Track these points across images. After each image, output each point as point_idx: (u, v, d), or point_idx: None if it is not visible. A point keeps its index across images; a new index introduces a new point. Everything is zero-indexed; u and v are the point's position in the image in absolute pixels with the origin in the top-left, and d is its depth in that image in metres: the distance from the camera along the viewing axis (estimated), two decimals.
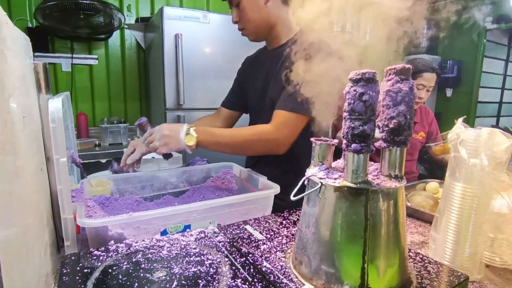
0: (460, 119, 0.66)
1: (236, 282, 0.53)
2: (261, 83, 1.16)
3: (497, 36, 4.19)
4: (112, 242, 0.67)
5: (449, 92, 3.99)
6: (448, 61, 3.85)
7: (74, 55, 2.53)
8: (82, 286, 0.53)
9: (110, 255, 0.63)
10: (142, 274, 0.56)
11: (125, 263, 0.59)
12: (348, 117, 0.48)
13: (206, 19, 2.18)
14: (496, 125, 4.48)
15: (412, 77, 1.74)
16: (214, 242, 0.68)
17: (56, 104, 0.68)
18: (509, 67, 4.61)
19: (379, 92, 0.49)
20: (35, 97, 0.73)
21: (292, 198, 0.53)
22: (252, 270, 0.57)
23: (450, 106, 4.17)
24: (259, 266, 0.58)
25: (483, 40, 3.76)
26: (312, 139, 0.57)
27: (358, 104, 0.47)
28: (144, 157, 1.45)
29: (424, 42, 4.06)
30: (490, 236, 0.75)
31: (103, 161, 2.10)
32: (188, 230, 0.75)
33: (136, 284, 0.53)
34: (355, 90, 0.47)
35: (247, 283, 0.53)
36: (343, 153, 0.51)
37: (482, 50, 3.80)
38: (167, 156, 1.08)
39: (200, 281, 0.54)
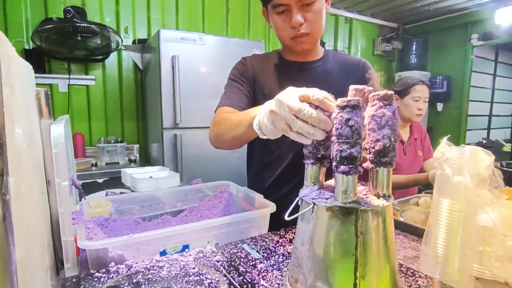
0: (445, 138, 0.70)
1: None
2: None
3: (484, 52, 4.34)
4: (113, 263, 0.69)
5: (439, 107, 4.09)
6: (438, 77, 3.97)
7: (71, 76, 2.57)
8: None
9: (111, 276, 0.65)
10: None
11: (126, 285, 0.61)
12: (336, 141, 0.52)
13: (202, 40, 2.24)
14: (487, 138, 4.57)
15: (405, 93, 1.76)
16: (212, 262, 0.69)
17: (59, 130, 0.71)
18: (496, 81, 4.75)
19: (364, 117, 0.53)
20: (37, 122, 0.76)
21: (286, 218, 0.56)
22: None
23: (441, 120, 4.27)
24: (257, 285, 0.60)
25: (470, 56, 3.89)
26: (304, 161, 0.60)
27: (345, 129, 0.51)
28: (141, 177, 1.48)
29: (414, 59, 4.20)
30: (479, 250, 0.78)
31: (100, 181, 2.10)
32: (186, 250, 0.77)
33: None
34: (341, 116, 0.51)
35: None
36: (333, 174, 0.55)
37: (470, 66, 3.92)
38: None
39: None
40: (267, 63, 1.14)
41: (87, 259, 0.73)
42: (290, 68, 1.10)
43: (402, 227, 1.05)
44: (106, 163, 2.36)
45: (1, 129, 0.23)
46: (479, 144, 4.34)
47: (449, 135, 0.70)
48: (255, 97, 1.10)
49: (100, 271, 0.67)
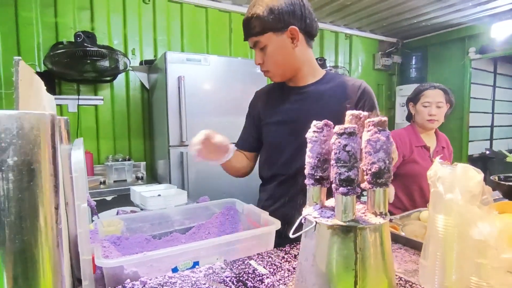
0: (438, 157, 0.75)
1: None
2: (290, 117, 1.15)
3: (483, 64, 4.42)
4: (128, 280, 0.73)
5: None
6: None
7: (80, 97, 2.67)
8: None
9: None
10: None
11: None
12: (335, 164, 0.57)
13: (207, 61, 2.33)
14: (490, 148, 4.58)
15: (416, 99, 1.80)
16: (222, 277, 0.74)
17: (79, 156, 0.77)
18: (497, 92, 4.80)
19: (360, 143, 0.58)
20: (58, 148, 0.82)
21: (291, 235, 0.60)
22: None
23: (443, 131, 4.29)
24: None
25: (469, 68, 3.96)
26: (306, 182, 0.65)
27: (342, 154, 0.56)
28: (150, 195, 1.53)
29: (414, 72, 4.28)
30: (477, 262, 0.81)
31: (109, 198, 2.16)
32: (197, 266, 0.81)
33: None
34: (339, 142, 0.56)
35: None
36: (333, 195, 0.60)
37: (469, 78, 3.98)
38: None
39: None
40: (272, 93, 1.25)
41: (103, 276, 0.78)
42: (291, 92, 1.18)
43: (403, 242, 1.08)
44: (114, 181, 2.42)
45: (57, 172, 0.29)
46: (482, 155, 4.35)
47: (441, 155, 0.75)
48: (264, 127, 1.23)
49: (117, 287, 0.71)
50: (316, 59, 3.65)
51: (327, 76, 1.18)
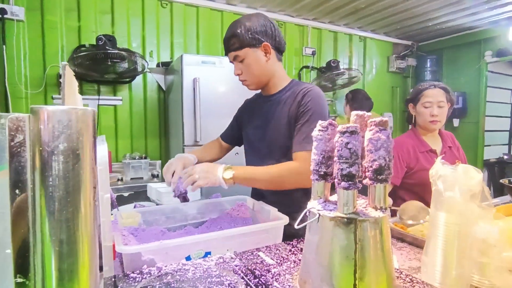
0: (439, 158, 0.78)
1: None
2: (260, 123, 1.34)
3: (500, 67, 4.33)
4: (145, 266, 0.79)
5: (456, 122, 4.08)
6: (453, 93, 3.98)
7: (100, 97, 2.78)
8: None
9: (144, 277, 0.75)
10: None
11: (158, 284, 0.71)
12: (338, 161, 0.61)
13: (221, 63, 2.40)
14: (508, 153, 4.48)
15: (416, 100, 1.74)
16: (231, 266, 0.79)
17: (103, 150, 0.83)
18: None
19: (361, 141, 0.62)
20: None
21: (296, 226, 0.65)
22: None
23: (458, 136, 4.19)
24: (270, 286, 0.69)
25: (485, 72, 3.90)
26: (311, 177, 0.70)
27: (344, 151, 0.60)
28: (166, 191, 1.60)
29: (429, 75, 4.24)
30: (478, 261, 0.83)
31: (126, 194, 2.25)
32: (208, 256, 0.87)
33: None
34: (342, 140, 0.61)
35: None
36: (336, 189, 0.64)
37: (485, 82, 3.92)
38: (184, 199, 1.19)
39: None
40: (253, 102, 1.47)
41: (121, 263, 0.85)
42: (261, 101, 1.39)
43: (409, 240, 1.11)
44: (131, 178, 2.51)
45: (95, 157, 0.35)
46: (500, 159, 4.26)
47: (443, 155, 0.78)
48: (243, 132, 1.46)
49: (135, 272, 0.78)
50: (329, 61, 3.65)
51: (291, 84, 1.31)
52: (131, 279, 0.75)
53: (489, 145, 4.16)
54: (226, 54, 1.28)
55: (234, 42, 1.21)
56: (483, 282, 0.83)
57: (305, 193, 1.22)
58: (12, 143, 0.30)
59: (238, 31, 1.20)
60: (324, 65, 3.76)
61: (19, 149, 0.31)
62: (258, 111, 1.38)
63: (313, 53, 3.82)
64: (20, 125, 0.31)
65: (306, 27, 3.82)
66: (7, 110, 2.31)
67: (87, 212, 0.33)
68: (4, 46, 2.34)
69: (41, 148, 0.31)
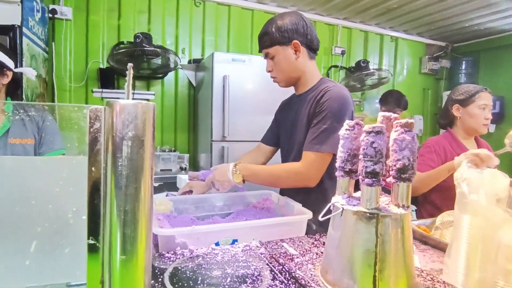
0: (465, 161, 0.79)
1: (275, 283, 0.69)
2: (289, 124, 1.39)
3: None
4: (179, 248, 0.87)
5: (492, 128, 3.90)
6: None
7: (135, 91, 2.94)
8: (161, 277, 0.72)
9: (178, 257, 0.82)
10: (203, 272, 0.74)
11: (190, 264, 0.78)
12: (363, 158, 0.65)
13: (251, 62, 2.47)
14: None
15: (469, 101, 1.68)
16: (257, 253, 0.84)
17: None
18: None
19: (386, 140, 0.65)
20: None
21: (320, 218, 0.69)
22: (287, 275, 0.73)
23: (493, 141, 4.03)
24: (293, 273, 0.73)
25: None
26: (336, 173, 0.74)
27: (370, 150, 0.64)
28: None
29: (463, 78, 4.08)
30: (506, 268, 0.83)
31: (155, 185, 2.37)
32: (236, 243, 0.93)
33: (200, 278, 0.71)
34: (367, 139, 0.64)
35: (283, 284, 0.69)
36: (360, 186, 0.67)
37: None
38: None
39: (247, 279, 0.70)
40: (287, 102, 1.51)
41: (156, 244, 0.92)
42: (293, 100, 1.43)
43: (432, 243, 1.11)
44: (161, 170, 2.64)
45: (154, 143, 0.41)
46: None
47: (469, 158, 0.79)
48: (279, 131, 1.52)
49: (169, 252, 0.85)
50: (359, 61, 3.62)
51: (319, 82, 1.32)
52: (166, 258, 0.82)
53: None
54: (260, 51, 1.33)
55: (265, 39, 1.26)
56: None
57: (324, 195, 1.26)
58: (91, 130, 0.37)
59: (270, 29, 1.25)
60: (354, 65, 3.72)
61: (96, 135, 0.38)
62: (290, 110, 1.42)
63: (343, 53, 3.80)
64: (98, 115, 0.37)
65: (336, 26, 3.80)
66: (53, 101, 2.51)
67: (146, 189, 0.39)
68: (53, 43, 2.53)
69: (113, 135, 0.37)
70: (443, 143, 1.68)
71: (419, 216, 1.76)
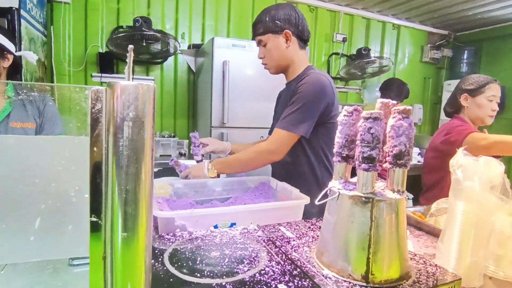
0: (461, 148, 0.80)
1: (271, 264, 0.71)
2: (280, 112, 1.44)
3: None
4: (178, 230, 0.89)
5: None
6: None
7: (134, 77, 2.92)
8: (161, 257, 0.74)
9: (177, 239, 0.84)
10: (202, 253, 0.76)
11: (189, 245, 0.80)
12: (360, 144, 0.66)
13: (251, 47, 2.44)
14: None
15: (478, 92, 1.67)
16: (254, 236, 0.86)
17: None
18: None
19: (384, 127, 0.66)
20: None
21: (316, 202, 0.71)
22: (284, 257, 0.75)
23: (494, 132, 4.03)
24: (289, 255, 0.75)
25: None
26: (333, 158, 0.75)
27: (367, 135, 0.65)
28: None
29: (465, 67, 4.05)
30: (496, 253, 0.86)
31: (155, 170, 2.38)
32: (234, 226, 0.95)
33: (199, 259, 0.73)
34: (365, 125, 0.65)
35: (279, 265, 0.71)
36: (356, 171, 0.69)
37: None
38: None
39: (244, 260, 0.72)
40: (281, 91, 1.57)
41: (156, 226, 0.94)
42: (284, 89, 1.50)
43: (427, 230, 1.13)
44: (160, 155, 2.65)
45: (154, 124, 0.42)
46: None
47: (465, 146, 0.80)
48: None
49: (169, 234, 0.87)
50: (360, 49, 3.58)
51: (304, 71, 1.38)
52: (166, 239, 0.84)
53: None
54: (253, 38, 1.41)
55: (259, 27, 1.33)
56: (498, 273, 0.86)
57: (319, 184, 1.35)
58: (93, 110, 0.38)
59: (264, 18, 1.32)
60: (355, 53, 3.69)
61: (97, 115, 0.38)
62: (281, 100, 1.50)
63: (344, 40, 3.76)
64: (99, 95, 0.38)
65: (338, 12, 3.75)
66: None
67: (147, 169, 0.40)
68: (52, 27, 2.50)
69: (115, 115, 0.38)
70: (456, 123, 1.67)
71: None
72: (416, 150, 3.69)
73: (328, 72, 3.81)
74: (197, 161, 1.39)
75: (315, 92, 1.25)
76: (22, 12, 2.01)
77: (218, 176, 1.30)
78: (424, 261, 0.78)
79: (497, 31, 3.93)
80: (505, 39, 3.88)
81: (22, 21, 2.01)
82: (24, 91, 1.51)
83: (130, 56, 0.43)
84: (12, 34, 1.93)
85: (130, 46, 0.42)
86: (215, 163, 1.32)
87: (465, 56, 4.14)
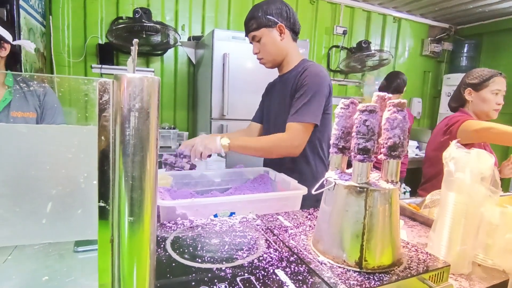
0: (455, 141, 0.83)
1: (269, 251, 0.74)
2: (276, 102, 1.47)
3: None
4: (179, 218, 0.91)
5: None
6: None
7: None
8: (163, 244, 0.77)
9: (178, 227, 0.87)
10: (203, 240, 0.79)
11: (190, 233, 0.83)
12: (355, 136, 0.68)
13: None
14: None
15: (482, 86, 1.67)
16: (253, 225, 0.89)
17: None
18: None
19: (379, 119, 0.68)
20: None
21: (313, 192, 0.73)
22: (281, 244, 0.78)
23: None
24: (287, 243, 0.78)
25: None
26: (330, 150, 0.77)
27: (362, 127, 0.67)
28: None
29: (465, 61, 4.05)
30: (485, 242, 0.89)
31: None
32: (233, 215, 0.98)
33: (200, 245, 0.76)
34: (360, 117, 0.67)
35: (277, 252, 0.74)
36: (351, 162, 0.71)
37: None
38: (193, 166, 1.35)
39: (243, 247, 0.75)
40: (272, 84, 1.59)
41: (158, 214, 0.97)
42: (277, 81, 1.52)
43: (421, 220, 1.17)
44: (160, 147, 2.67)
45: (158, 115, 0.44)
46: None
47: (459, 139, 0.82)
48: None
49: (170, 222, 0.90)
50: (360, 42, 3.58)
51: (300, 63, 1.40)
52: (168, 227, 0.87)
53: None
54: (246, 35, 1.42)
55: (252, 23, 1.35)
56: (486, 261, 0.89)
57: (315, 176, 1.35)
58: (100, 101, 0.40)
59: (256, 13, 1.34)
60: (355, 46, 3.69)
61: (105, 106, 0.40)
62: (274, 92, 1.51)
63: (344, 33, 3.75)
64: (106, 87, 0.40)
65: (339, 5, 3.73)
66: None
67: (152, 157, 0.43)
68: (51, 17, 2.49)
69: (121, 106, 0.40)
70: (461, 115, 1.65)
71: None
72: (414, 144, 3.72)
73: (328, 65, 3.82)
74: (191, 168, 1.34)
75: (320, 83, 1.29)
76: (21, 2, 2.00)
77: (229, 149, 1.26)
78: (416, 249, 0.81)
79: (498, 25, 3.92)
80: (506, 33, 3.87)
81: (21, 11, 2.01)
82: (25, 81, 1.52)
83: (135, 50, 0.45)
84: (11, 24, 1.93)
85: (135, 40, 0.44)
86: (231, 135, 1.34)
87: (465, 50, 4.14)
